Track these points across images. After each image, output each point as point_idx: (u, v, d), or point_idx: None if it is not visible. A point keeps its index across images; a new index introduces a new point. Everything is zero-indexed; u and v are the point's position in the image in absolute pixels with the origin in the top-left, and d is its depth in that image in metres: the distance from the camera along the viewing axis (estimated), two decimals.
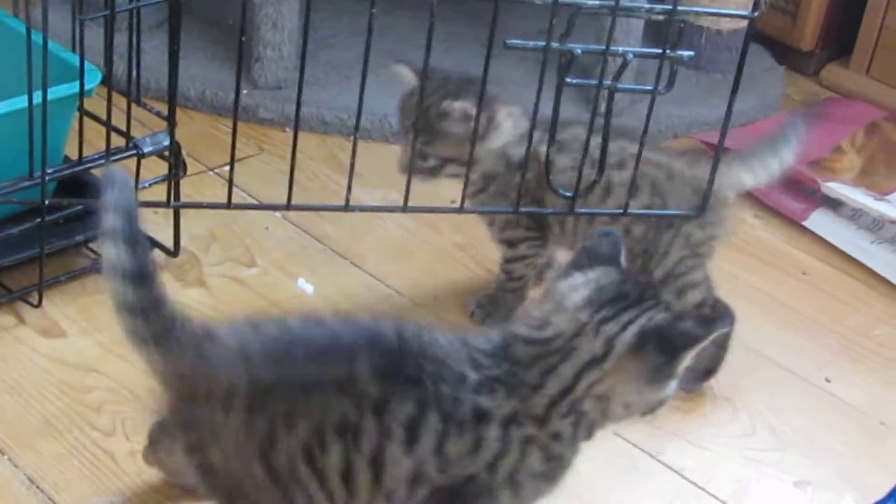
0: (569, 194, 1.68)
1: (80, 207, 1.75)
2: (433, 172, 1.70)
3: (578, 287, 1.24)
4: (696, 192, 1.70)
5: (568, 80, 1.64)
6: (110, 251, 1.16)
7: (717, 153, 1.68)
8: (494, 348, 1.23)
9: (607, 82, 1.65)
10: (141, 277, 1.16)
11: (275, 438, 1.17)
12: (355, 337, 1.19)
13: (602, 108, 1.68)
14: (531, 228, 1.77)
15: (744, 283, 1.98)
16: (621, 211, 1.68)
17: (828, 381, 1.80)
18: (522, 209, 1.70)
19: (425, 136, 1.67)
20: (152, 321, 1.17)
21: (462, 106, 1.64)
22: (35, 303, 1.71)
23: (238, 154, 1.81)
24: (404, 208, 1.67)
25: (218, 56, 2.31)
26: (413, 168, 1.68)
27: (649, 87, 1.66)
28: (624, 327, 1.21)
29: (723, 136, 1.69)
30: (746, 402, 1.74)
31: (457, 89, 1.67)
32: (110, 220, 1.15)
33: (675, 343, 1.21)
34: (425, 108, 1.65)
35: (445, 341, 1.23)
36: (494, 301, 1.83)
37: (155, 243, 1.81)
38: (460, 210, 1.69)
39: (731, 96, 1.67)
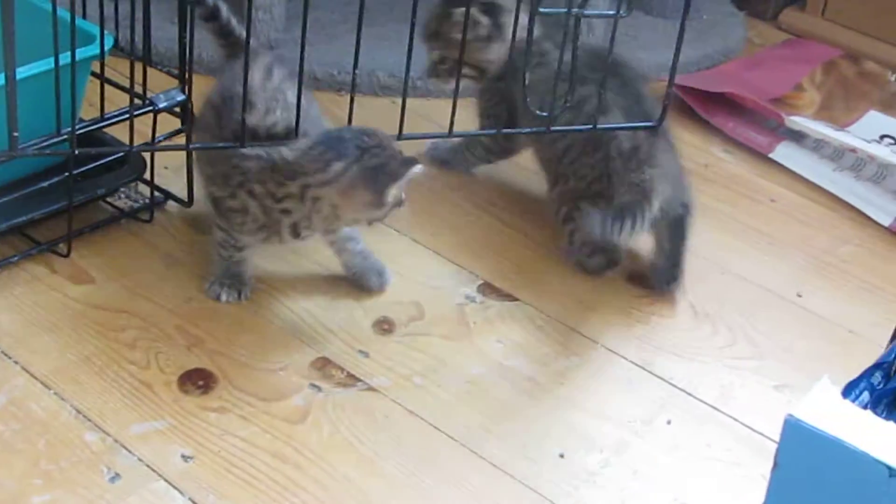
0: (544, 114, 1.83)
1: (99, 163, 1.87)
2: (451, 73, 1.93)
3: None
4: None
5: (541, 9, 1.80)
6: None
7: (668, 89, 1.84)
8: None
9: (575, 10, 1.79)
10: None
11: None
12: None
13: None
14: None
15: (718, 212, 2.12)
16: (591, 126, 1.84)
17: (799, 295, 1.94)
18: (504, 130, 1.99)
19: (441, 42, 1.97)
20: None
21: (462, 11, 1.81)
22: (64, 253, 1.83)
23: None
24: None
25: None
26: (434, 72, 2.01)
27: (611, 13, 1.83)
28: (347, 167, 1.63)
29: (672, 76, 1.86)
30: (726, 317, 1.88)
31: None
32: None
33: (380, 180, 1.62)
34: (440, 18, 1.96)
35: None
36: None
37: (169, 195, 1.94)
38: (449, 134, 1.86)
39: (678, 40, 1.83)
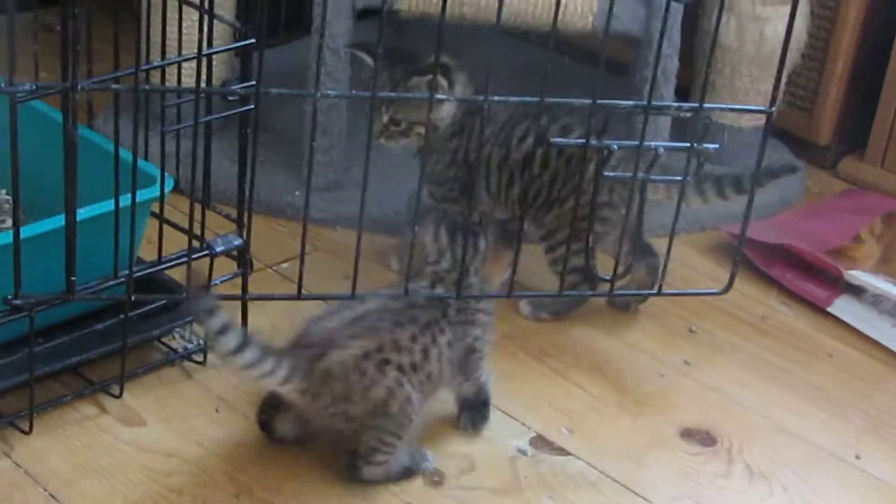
0: (607, 278, 1.85)
1: (154, 305, 1.88)
2: (403, 134, 2.08)
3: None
4: None
5: (606, 173, 1.80)
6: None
7: (740, 241, 1.83)
8: None
9: (641, 174, 1.79)
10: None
11: None
12: None
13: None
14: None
15: (774, 366, 2.09)
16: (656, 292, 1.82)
17: (857, 457, 1.90)
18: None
19: (396, 105, 2.05)
20: None
21: (427, 80, 1.90)
22: (116, 394, 1.83)
23: (291, 253, 1.93)
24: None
25: (269, 160, 2.44)
26: (385, 133, 2.08)
27: (679, 178, 1.81)
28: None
29: (745, 225, 1.88)
30: (782, 478, 1.84)
31: (420, 67, 2.01)
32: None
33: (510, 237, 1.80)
34: (395, 83, 2.04)
35: None
36: None
37: None
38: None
39: (750, 185, 1.85)
